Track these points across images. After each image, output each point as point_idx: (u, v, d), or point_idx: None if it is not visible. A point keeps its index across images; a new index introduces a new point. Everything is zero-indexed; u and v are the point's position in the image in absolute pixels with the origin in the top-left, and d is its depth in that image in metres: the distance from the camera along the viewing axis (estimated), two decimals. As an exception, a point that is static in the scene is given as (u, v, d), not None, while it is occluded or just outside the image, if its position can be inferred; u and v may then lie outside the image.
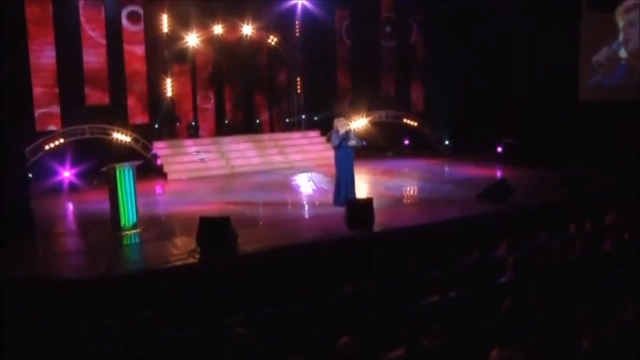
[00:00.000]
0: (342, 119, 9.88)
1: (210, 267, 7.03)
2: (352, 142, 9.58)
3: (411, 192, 12.17)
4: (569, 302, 4.64)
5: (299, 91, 17.48)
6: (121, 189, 8.23)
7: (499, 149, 15.72)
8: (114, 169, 8.17)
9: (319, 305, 5.10)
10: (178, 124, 16.35)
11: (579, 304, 4.17)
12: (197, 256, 7.15)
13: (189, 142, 15.85)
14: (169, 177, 14.18)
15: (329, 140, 16.99)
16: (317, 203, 10.70)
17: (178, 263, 6.91)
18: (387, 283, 5.71)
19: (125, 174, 8.29)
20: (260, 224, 8.97)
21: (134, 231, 8.40)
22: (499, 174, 14.09)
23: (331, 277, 6.17)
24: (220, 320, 4.73)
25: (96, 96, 14.75)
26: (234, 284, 6.76)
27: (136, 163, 8.64)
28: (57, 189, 12.38)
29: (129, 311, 5.11)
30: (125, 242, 8.03)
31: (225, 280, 6.86)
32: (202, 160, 14.90)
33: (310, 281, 6.01)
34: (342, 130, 9.51)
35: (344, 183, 9.73)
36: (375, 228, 8.41)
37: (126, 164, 8.37)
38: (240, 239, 7.72)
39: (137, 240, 8.14)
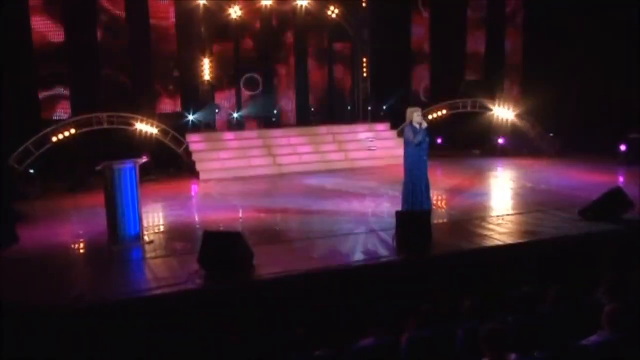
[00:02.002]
0: (418, 108, 9.29)
1: (213, 295, 6.55)
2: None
3: (495, 202, 11.16)
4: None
5: (364, 74, 16.81)
6: (120, 193, 7.93)
7: (622, 147, 14.37)
8: (111, 168, 7.88)
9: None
10: (217, 111, 16.20)
11: None
12: (199, 280, 6.69)
13: (229, 134, 15.66)
14: (202, 176, 14.00)
15: (400, 134, 16.27)
16: (374, 213, 10.08)
17: (173, 289, 6.47)
18: (428, 335, 4.90)
19: (125, 174, 7.99)
20: (303, 238, 8.48)
21: (134, 245, 8.08)
22: (620, 179, 12.77)
23: (358, 320, 5.48)
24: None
25: (116, 79, 14.84)
26: (239, 319, 6.25)
27: (140, 160, 8.32)
28: (65, 188, 12.47)
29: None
30: (120, 258, 7.73)
31: (230, 313, 6.35)
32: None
33: (328, 322, 5.36)
34: (424, 124, 8.98)
35: (413, 188, 9.14)
36: (433, 251, 7.59)
37: (128, 161, 8.07)
38: (260, 259, 7.22)
39: (137, 257, 7.84)
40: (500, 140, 16.50)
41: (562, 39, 15.32)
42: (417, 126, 8.96)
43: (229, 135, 15.62)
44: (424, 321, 5.08)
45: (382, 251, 7.65)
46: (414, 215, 7.98)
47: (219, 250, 6.82)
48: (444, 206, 10.44)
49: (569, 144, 15.66)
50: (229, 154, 14.95)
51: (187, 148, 14.79)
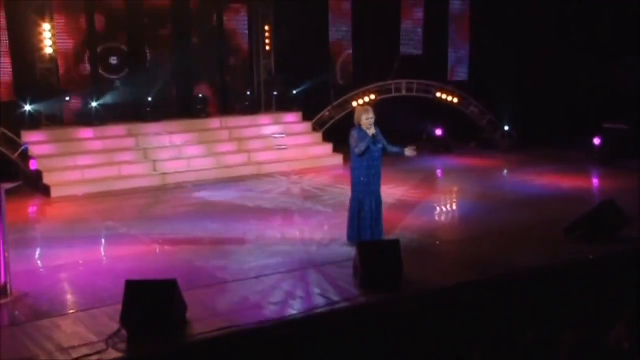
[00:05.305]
0: (369, 108, 9.96)
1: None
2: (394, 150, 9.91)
3: (455, 220, 12.23)
4: None
5: (267, 48, 17.43)
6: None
7: (597, 141, 15.91)
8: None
9: None
10: (67, 100, 16.14)
11: None
12: (122, 346, 7.07)
13: (87, 131, 15.69)
14: (54, 193, 13.93)
15: (316, 128, 17.09)
16: (312, 240, 10.72)
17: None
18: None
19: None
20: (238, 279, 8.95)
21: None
22: (595, 183, 14.31)
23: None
24: None
25: None
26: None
27: (8, 185, 8.44)
28: None
29: None
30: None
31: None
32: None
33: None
34: (372, 130, 9.61)
35: (360, 209, 9.92)
36: (406, 290, 8.41)
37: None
38: (193, 310, 7.63)
39: (9, 319, 7.85)
40: (439, 132, 17.74)
41: (520, 3, 16.68)
42: (370, 132, 9.63)
43: (86, 132, 15.66)
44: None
45: (343, 292, 8.31)
46: (379, 247, 8.78)
47: (148, 305, 7.18)
48: (394, 227, 11.14)
49: (528, 136, 17.18)
50: (90, 159, 15.06)
51: (25, 152, 14.66)
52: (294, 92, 17.52)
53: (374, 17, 17.83)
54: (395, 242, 8.74)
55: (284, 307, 7.97)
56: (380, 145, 9.85)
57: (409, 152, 10.10)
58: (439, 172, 16.15)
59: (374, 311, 8.12)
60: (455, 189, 14.28)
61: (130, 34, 16.74)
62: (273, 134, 16.79)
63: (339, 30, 18.31)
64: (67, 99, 16.12)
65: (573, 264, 9.35)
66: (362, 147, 9.67)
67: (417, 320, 8.08)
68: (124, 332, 7.22)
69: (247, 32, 17.79)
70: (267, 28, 17.39)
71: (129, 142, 15.66)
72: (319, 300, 8.16)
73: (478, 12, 18.45)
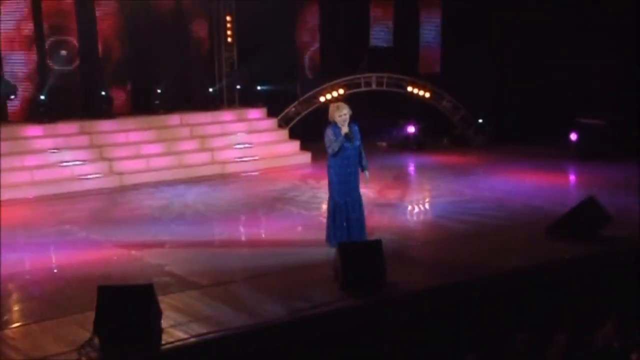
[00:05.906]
0: (342, 104, 10.07)
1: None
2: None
3: (435, 220, 12.41)
4: None
5: (229, 40, 17.50)
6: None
7: (572, 136, 16.30)
8: None
9: None
10: (13, 97, 16.01)
11: None
12: (95, 355, 7.13)
13: (34, 129, 15.54)
14: (1, 195, 13.70)
15: (281, 124, 17.22)
16: (288, 241, 10.85)
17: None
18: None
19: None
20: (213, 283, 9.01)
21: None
22: (573, 179, 14.68)
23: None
24: None
25: None
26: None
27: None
28: None
29: None
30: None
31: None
32: None
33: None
34: (344, 128, 9.76)
35: (334, 210, 10.10)
36: (391, 292, 8.61)
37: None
38: (169, 317, 7.73)
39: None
40: (412, 129, 17.96)
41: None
42: (343, 131, 9.77)
43: (35, 129, 15.49)
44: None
45: (324, 295, 8.45)
46: (361, 248, 8.97)
47: (123, 312, 7.26)
48: (371, 227, 11.29)
49: (502, 132, 17.48)
50: (40, 159, 14.92)
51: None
52: (258, 86, 17.60)
53: (342, 7, 17.98)
54: (377, 243, 8.92)
55: (262, 311, 8.07)
56: (357, 143, 9.99)
57: (364, 176, 10.32)
58: (412, 170, 16.39)
59: (356, 314, 8.28)
60: (431, 187, 14.50)
61: (81, 23, 16.56)
62: (236, 131, 16.86)
63: (306, 21, 18.42)
64: (12, 97, 15.90)
65: (558, 263, 9.65)
66: (335, 147, 9.84)
67: (402, 323, 8.27)
68: (96, 340, 7.28)
69: (207, 22, 17.73)
70: (228, 18, 17.40)
71: (82, 140, 15.52)
72: (299, 304, 8.26)
73: (450, 2, 18.70)
